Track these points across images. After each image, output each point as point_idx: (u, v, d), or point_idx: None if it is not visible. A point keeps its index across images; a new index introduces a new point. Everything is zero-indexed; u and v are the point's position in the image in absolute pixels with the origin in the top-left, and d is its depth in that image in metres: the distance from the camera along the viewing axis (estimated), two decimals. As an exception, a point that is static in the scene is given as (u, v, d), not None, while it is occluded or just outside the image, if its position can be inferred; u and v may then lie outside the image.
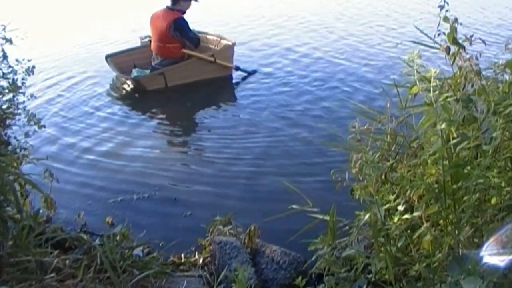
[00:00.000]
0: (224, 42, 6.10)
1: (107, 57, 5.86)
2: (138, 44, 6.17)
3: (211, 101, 5.48)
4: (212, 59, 5.78)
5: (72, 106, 5.27)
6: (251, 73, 6.04)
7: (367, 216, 2.01)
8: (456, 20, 2.04)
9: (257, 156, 4.33)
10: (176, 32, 5.64)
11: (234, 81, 5.98)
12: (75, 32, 7.56)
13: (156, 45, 5.81)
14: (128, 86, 5.73)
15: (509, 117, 1.83)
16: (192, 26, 5.91)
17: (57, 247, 2.61)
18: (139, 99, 5.41)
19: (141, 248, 2.73)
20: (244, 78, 5.96)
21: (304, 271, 2.66)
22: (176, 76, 5.68)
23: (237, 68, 5.99)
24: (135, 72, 5.86)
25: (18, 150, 2.54)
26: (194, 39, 5.81)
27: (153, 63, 5.87)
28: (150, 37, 5.96)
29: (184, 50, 5.78)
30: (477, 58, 2.10)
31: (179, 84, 5.66)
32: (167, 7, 5.74)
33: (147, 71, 5.84)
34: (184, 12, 5.77)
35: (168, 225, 3.36)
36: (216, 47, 6.10)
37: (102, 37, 7.24)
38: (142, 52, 6.05)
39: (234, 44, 6.01)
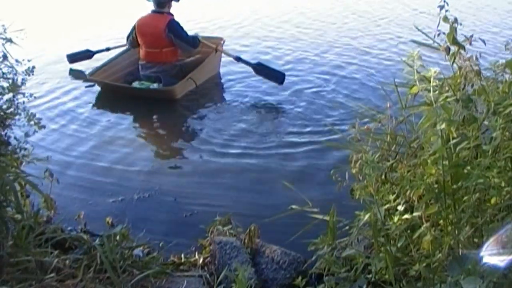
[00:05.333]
0: (212, 40, 6.07)
1: (89, 75, 5.52)
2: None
3: (210, 102, 5.47)
4: (213, 46, 5.81)
5: (72, 107, 5.27)
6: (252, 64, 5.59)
7: (367, 216, 2.02)
8: (456, 20, 2.04)
9: (257, 156, 4.33)
10: (170, 34, 5.40)
11: (226, 80, 5.97)
12: (75, 32, 7.55)
13: (150, 52, 5.50)
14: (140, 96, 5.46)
15: (509, 117, 1.84)
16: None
17: (57, 247, 2.61)
18: (138, 102, 5.38)
19: (141, 248, 2.73)
20: (237, 75, 5.95)
21: (304, 271, 2.66)
22: (202, 75, 5.69)
23: (238, 59, 5.67)
24: (137, 86, 5.48)
25: (18, 150, 2.53)
26: (190, 39, 5.59)
27: (146, 72, 5.54)
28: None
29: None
30: (477, 58, 2.10)
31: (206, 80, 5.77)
32: (153, 11, 5.47)
33: (148, 83, 5.45)
34: (172, 14, 5.55)
35: (168, 225, 3.36)
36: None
37: (103, 37, 7.22)
38: (119, 62, 5.80)
39: (223, 42, 6.01)
